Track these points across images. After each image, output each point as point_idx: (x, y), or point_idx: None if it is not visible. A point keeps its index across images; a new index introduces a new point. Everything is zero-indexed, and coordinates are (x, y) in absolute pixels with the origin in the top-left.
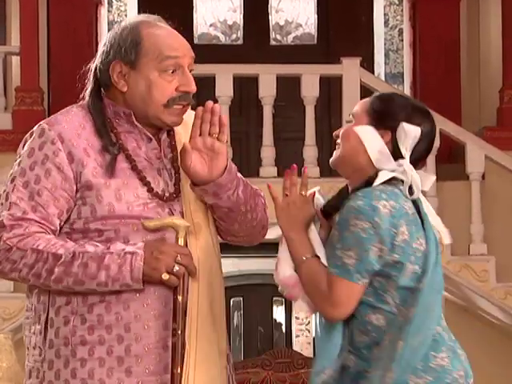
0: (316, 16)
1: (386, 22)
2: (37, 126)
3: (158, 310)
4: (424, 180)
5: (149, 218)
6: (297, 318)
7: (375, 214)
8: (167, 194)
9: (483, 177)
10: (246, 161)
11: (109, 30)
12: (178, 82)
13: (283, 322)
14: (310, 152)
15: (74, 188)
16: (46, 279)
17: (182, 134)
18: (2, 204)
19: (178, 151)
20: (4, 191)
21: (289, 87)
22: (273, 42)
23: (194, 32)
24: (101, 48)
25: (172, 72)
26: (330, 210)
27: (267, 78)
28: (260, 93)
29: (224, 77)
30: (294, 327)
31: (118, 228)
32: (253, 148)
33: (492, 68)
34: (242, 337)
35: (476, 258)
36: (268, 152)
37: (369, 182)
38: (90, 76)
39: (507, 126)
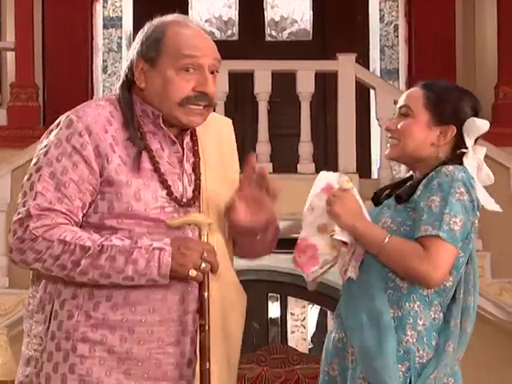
0: (311, 12)
1: (382, 18)
2: (64, 116)
3: (163, 316)
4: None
5: (164, 221)
6: (292, 314)
7: (474, 192)
8: (185, 200)
9: None
10: (241, 157)
11: (104, 26)
12: (196, 81)
13: (278, 318)
14: (306, 148)
15: (99, 182)
16: (70, 271)
17: (205, 139)
18: (25, 193)
19: (201, 157)
20: (28, 180)
21: (284, 83)
22: (268, 38)
23: None
24: (132, 46)
25: (190, 71)
26: (403, 196)
27: (262, 73)
28: (255, 89)
29: (219, 73)
30: (290, 323)
31: (133, 228)
32: (248, 144)
33: (487, 64)
34: None
35: None
36: (263, 148)
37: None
38: (124, 71)
39: (502, 122)
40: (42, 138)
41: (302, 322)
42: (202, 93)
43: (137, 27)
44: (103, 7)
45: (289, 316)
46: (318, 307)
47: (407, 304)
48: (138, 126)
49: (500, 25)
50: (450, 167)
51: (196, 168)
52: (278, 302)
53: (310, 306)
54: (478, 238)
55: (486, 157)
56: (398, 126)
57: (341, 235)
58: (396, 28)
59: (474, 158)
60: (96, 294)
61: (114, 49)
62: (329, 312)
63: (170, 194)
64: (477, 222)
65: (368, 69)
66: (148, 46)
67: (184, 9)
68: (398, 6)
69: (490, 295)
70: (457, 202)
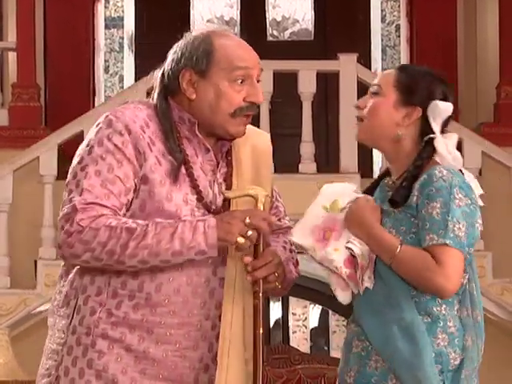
0: (313, 12)
1: (383, 18)
2: (103, 116)
3: (183, 319)
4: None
5: None
6: (293, 313)
7: (472, 192)
8: (214, 207)
9: (480, 173)
10: None
11: (105, 26)
12: (246, 92)
13: (280, 318)
14: (307, 148)
15: (139, 179)
16: (120, 255)
17: (241, 151)
18: (71, 191)
19: (234, 168)
20: (74, 178)
21: (286, 83)
22: (270, 38)
23: (191, 28)
24: (171, 55)
25: (241, 82)
26: (398, 200)
27: (264, 73)
28: None
29: None
30: (291, 323)
31: None
32: None
33: (489, 63)
34: None
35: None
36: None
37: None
38: (157, 81)
39: (504, 121)
40: (88, 137)
41: (304, 322)
42: (252, 103)
43: (138, 27)
44: (105, 7)
45: (290, 316)
46: (320, 307)
47: (434, 309)
48: (176, 131)
49: (502, 24)
50: (444, 171)
51: (228, 178)
52: (280, 301)
53: (312, 305)
54: (480, 238)
55: (488, 157)
56: (363, 105)
57: (353, 245)
58: (398, 28)
59: (444, 142)
60: (120, 292)
61: (116, 49)
62: (330, 311)
63: (200, 199)
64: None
65: (369, 69)
66: (197, 57)
67: (186, 9)
68: (399, 6)
69: (491, 295)
70: (458, 208)
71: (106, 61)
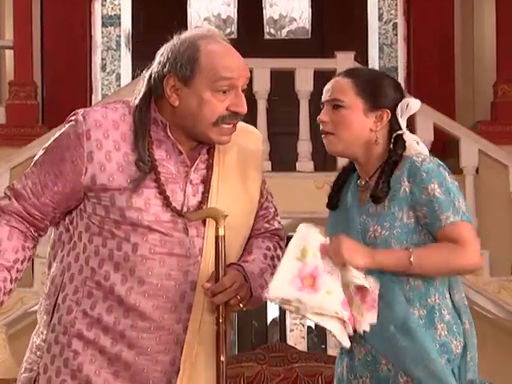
0: (310, 10)
1: (381, 16)
2: (74, 113)
3: (154, 323)
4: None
5: (158, 230)
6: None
7: (448, 173)
8: (185, 209)
9: (477, 171)
10: None
11: (102, 24)
12: (230, 101)
13: (277, 316)
14: (304, 146)
15: (82, 186)
16: None
17: (225, 153)
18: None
19: (215, 170)
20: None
21: (283, 81)
22: (267, 36)
23: (189, 26)
24: (158, 56)
25: (224, 92)
26: (381, 195)
27: (261, 72)
28: (254, 87)
29: None
30: (289, 321)
31: (129, 234)
32: None
33: (486, 62)
34: (236, 331)
35: None
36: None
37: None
38: (144, 81)
39: (501, 120)
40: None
41: (301, 320)
42: (235, 113)
43: (135, 25)
44: (102, 5)
45: (288, 314)
46: None
47: (428, 300)
48: (147, 136)
49: (499, 23)
50: (421, 156)
51: (206, 181)
52: None
53: None
54: (477, 237)
55: (485, 155)
56: (329, 119)
57: (360, 280)
58: (395, 26)
59: (410, 136)
60: (95, 293)
61: (113, 47)
62: None
63: (168, 204)
64: None
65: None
66: (182, 64)
67: (183, 7)
68: (396, 5)
69: (488, 293)
70: (452, 184)
71: (102, 59)
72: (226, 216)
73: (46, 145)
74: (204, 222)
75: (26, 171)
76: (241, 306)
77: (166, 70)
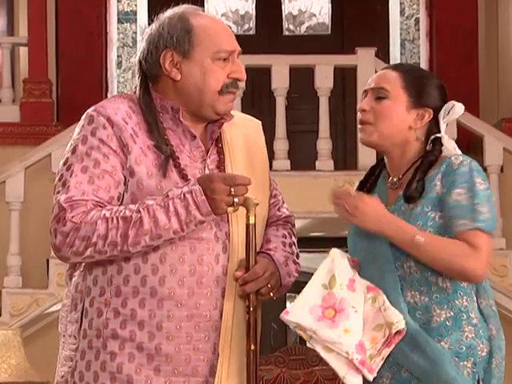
0: (330, 5)
1: (402, 11)
2: (84, 114)
3: (191, 311)
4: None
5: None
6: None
7: (485, 175)
8: None
9: (502, 169)
10: None
11: (118, 20)
12: (230, 69)
13: None
14: (324, 145)
15: (128, 172)
16: (122, 245)
17: (232, 138)
18: (58, 192)
19: (226, 154)
20: (60, 180)
21: (302, 78)
22: (286, 32)
23: None
24: (145, 40)
25: (224, 60)
26: (414, 195)
27: (280, 68)
28: (273, 84)
29: None
30: None
31: None
32: (265, 141)
33: (511, 58)
34: None
35: (494, 253)
36: (281, 145)
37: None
38: (136, 70)
39: None
40: (73, 137)
41: None
42: (236, 79)
43: (152, 22)
44: (118, 1)
45: None
46: None
47: (456, 301)
48: (160, 123)
49: None
50: (460, 157)
51: (221, 165)
52: None
53: None
54: (502, 237)
55: (510, 153)
56: (369, 108)
57: (402, 324)
58: (417, 21)
59: (449, 141)
60: (123, 290)
61: (129, 44)
62: None
63: None
64: None
65: (388, 63)
66: (177, 37)
67: (200, 3)
68: None
69: None
70: (481, 191)
71: (118, 56)
72: (257, 204)
73: (71, 155)
74: None
75: (71, 183)
76: (271, 294)
77: (161, 46)
